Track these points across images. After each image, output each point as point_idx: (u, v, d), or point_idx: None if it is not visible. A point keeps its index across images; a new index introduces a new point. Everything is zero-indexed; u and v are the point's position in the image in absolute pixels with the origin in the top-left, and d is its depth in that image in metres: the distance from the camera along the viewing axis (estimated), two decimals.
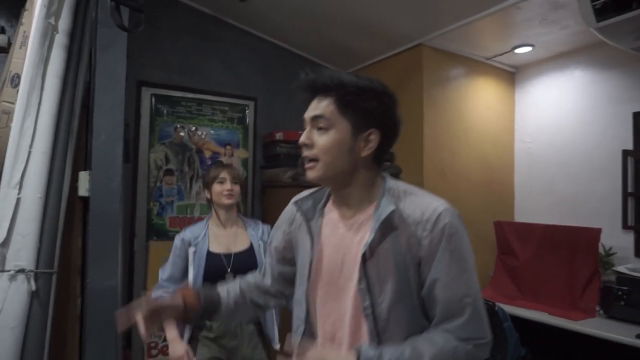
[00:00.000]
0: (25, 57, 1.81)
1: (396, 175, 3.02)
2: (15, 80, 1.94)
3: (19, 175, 1.68)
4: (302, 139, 0.98)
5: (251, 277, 1.24)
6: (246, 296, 1.18)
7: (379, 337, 0.93)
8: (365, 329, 0.95)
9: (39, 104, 1.79)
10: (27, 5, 2.12)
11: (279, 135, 3.09)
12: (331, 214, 1.07)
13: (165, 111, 2.98)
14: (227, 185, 1.99)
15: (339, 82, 0.95)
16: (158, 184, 2.92)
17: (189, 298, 1.07)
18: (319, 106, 0.97)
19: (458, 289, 0.90)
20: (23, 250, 1.63)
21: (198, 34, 3.12)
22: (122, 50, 1.92)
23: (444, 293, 0.91)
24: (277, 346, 1.96)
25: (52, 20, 1.84)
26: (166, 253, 2.74)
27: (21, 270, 1.59)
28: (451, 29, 2.64)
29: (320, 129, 0.96)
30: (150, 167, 2.91)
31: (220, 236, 2.00)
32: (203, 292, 1.11)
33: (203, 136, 3.09)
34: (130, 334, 2.76)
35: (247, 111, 3.25)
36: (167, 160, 2.96)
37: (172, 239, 2.71)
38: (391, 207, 0.93)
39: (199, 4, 3.08)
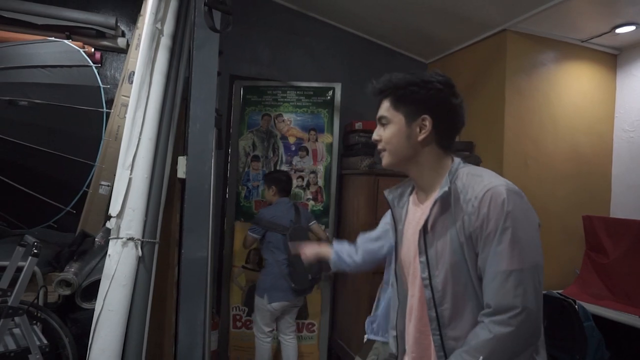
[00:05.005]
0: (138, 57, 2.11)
1: (475, 164, 2.96)
2: (132, 77, 2.27)
3: (131, 159, 1.98)
4: (374, 136, 1.17)
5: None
6: None
7: (435, 307, 1.04)
8: (425, 299, 1.07)
9: (147, 97, 2.07)
10: (142, 11, 2.46)
11: (358, 125, 3.18)
12: (412, 199, 1.21)
13: (253, 101, 3.18)
14: None
15: (391, 84, 1.12)
16: (246, 169, 3.16)
17: None
18: (381, 108, 1.15)
19: (498, 263, 0.95)
20: (133, 222, 1.92)
21: (284, 29, 3.32)
22: (215, 48, 2.14)
23: (484, 265, 0.97)
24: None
25: (158, 25, 2.11)
26: None
27: (131, 239, 1.88)
28: (540, 10, 2.50)
29: (383, 125, 1.14)
30: (240, 153, 3.16)
31: None
32: None
33: (288, 123, 3.18)
34: (219, 302, 3.08)
35: (333, 93, 3.17)
36: (254, 147, 3.17)
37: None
38: (444, 188, 1.03)
39: (285, 0, 3.27)
